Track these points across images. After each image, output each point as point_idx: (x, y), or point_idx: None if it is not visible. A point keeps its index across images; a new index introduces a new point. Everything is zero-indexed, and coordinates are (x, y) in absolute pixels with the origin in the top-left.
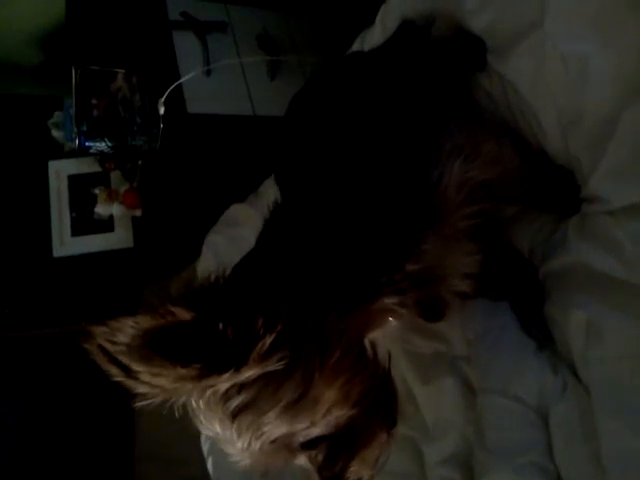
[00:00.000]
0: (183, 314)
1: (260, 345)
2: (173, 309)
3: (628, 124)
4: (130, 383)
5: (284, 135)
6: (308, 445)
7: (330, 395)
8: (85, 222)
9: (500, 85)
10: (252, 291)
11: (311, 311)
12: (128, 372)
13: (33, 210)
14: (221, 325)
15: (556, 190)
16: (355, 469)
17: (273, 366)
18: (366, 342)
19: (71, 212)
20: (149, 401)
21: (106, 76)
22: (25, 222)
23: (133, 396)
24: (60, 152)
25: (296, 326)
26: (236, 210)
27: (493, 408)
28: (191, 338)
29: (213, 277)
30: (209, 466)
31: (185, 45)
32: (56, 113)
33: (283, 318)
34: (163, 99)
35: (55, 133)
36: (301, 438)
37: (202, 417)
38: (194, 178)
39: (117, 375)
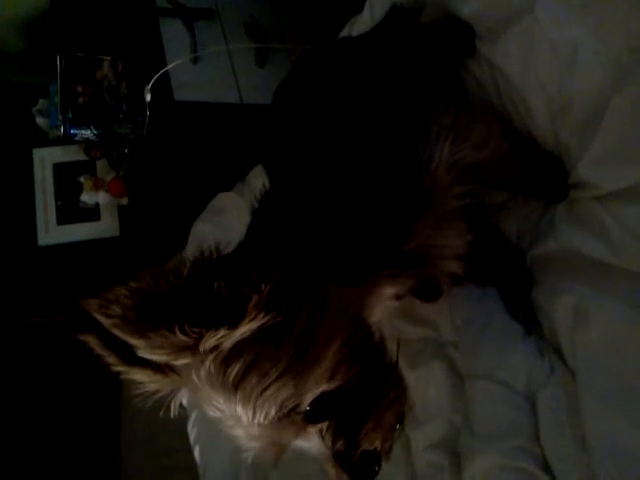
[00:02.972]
0: (177, 280)
1: (255, 298)
2: (167, 276)
3: (617, 110)
4: (127, 372)
5: (272, 121)
6: (315, 416)
7: (332, 353)
8: (71, 211)
9: (489, 72)
10: (246, 255)
11: (305, 272)
12: (124, 357)
13: (18, 199)
14: (215, 285)
15: (545, 176)
16: (369, 436)
17: (270, 320)
18: (368, 318)
19: (56, 200)
20: (146, 391)
21: (92, 63)
22: (9, 211)
23: (119, 385)
24: (45, 140)
25: (291, 282)
26: (223, 198)
27: (480, 393)
28: (186, 303)
29: (207, 252)
30: (196, 454)
31: (172, 32)
32: (41, 100)
33: (277, 273)
34: (149, 86)
35: (40, 121)
36: (307, 402)
37: (205, 394)
38: (181, 166)
39: (115, 364)
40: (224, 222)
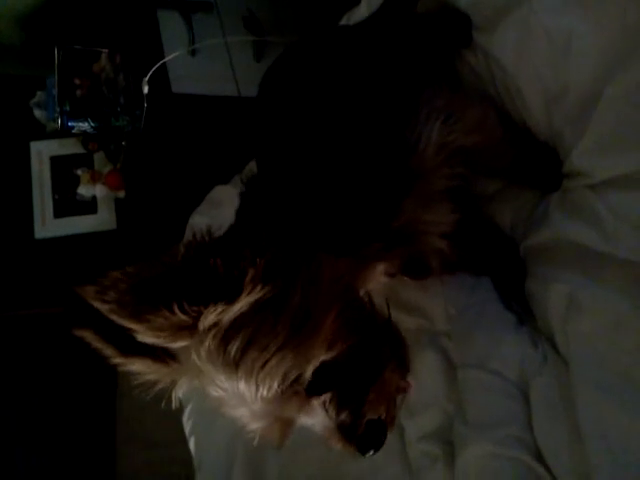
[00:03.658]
0: (172, 262)
1: (252, 272)
2: (162, 260)
3: (610, 98)
4: (125, 363)
5: (260, 107)
6: (317, 388)
7: (329, 323)
8: (68, 204)
9: (485, 61)
10: (238, 234)
11: (297, 247)
12: (122, 348)
13: (14, 192)
14: (211, 261)
15: (539, 165)
16: (373, 405)
17: (267, 293)
18: (361, 291)
19: (53, 193)
20: (146, 382)
21: (89, 55)
22: (6, 204)
23: (115, 377)
24: (42, 133)
25: (284, 257)
26: (220, 191)
27: (473, 382)
28: (183, 282)
29: (199, 235)
30: (191, 446)
31: (170, 25)
32: (38, 93)
33: (271, 249)
34: (147, 79)
35: (37, 113)
36: (309, 374)
37: (207, 375)
38: (178, 159)
39: (113, 356)
40: (221, 215)
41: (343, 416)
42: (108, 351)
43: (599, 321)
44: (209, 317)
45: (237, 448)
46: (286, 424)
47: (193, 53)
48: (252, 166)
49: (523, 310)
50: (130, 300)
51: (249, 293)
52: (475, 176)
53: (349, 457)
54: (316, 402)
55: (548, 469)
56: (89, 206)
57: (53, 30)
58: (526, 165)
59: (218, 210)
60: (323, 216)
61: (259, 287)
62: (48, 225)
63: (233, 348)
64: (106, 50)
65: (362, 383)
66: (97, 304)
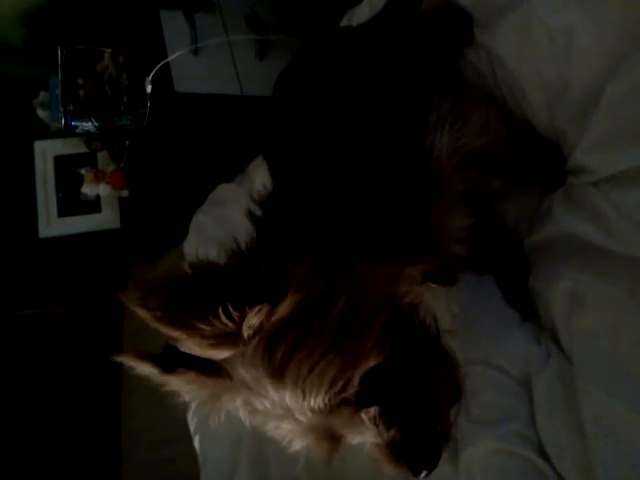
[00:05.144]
0: (214, 269)
1: (297, 272)
2: (207, 261)
3: (612, 95)
4: (166, 382)
5: (273, 114)
6: (366, 399)
7: (377, 327)
8: (71, 203)
9: (487, 59)
10: (275, 242)
11: (337, 253)
12: (163, 366)
13: (19, 191)
14: (254, 265)
15: (542, 162)
16: (425, 419)
17: (314, 293)
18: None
19: (57, 193)
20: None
21: (92, 55)
22: (10, 203)
23: (120, 375)
24: (46, 132)
25: (327, 261)
26: (223, 190)
27: (476, 379)
28: (227, 287)
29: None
30: (196, 444)
31: (173, 24)
32: (42, 93)
33: (313, 252)
34: (150, 78)
35: (41, 113)
36: (356, 381)
37: (251, 386)
38: (181, 158)
39: (155, 374)
40: (224, 213)
41: (393, 433)
42: (149, 370)
43: (603, 317)
44: (253, 319)
45: (242, 447)
46: (333, 442)
47: (196, 52)
48: (255, 165)
49: (527, 307)
50: (176, 307)
51: (294, 293)
52: (483, 177)
53: (351, 455)
54: (365, 417)
55: (552, 465)
56: (93, 205)
57: (56, 30)
58: (530, 163)
59: (222, 209)
60: (360, 223)
61: (304, 288)
62: (52, 224)
63: (279, 352)
64: (109, 50)
65: (412, 397)
66: (140, 311)
